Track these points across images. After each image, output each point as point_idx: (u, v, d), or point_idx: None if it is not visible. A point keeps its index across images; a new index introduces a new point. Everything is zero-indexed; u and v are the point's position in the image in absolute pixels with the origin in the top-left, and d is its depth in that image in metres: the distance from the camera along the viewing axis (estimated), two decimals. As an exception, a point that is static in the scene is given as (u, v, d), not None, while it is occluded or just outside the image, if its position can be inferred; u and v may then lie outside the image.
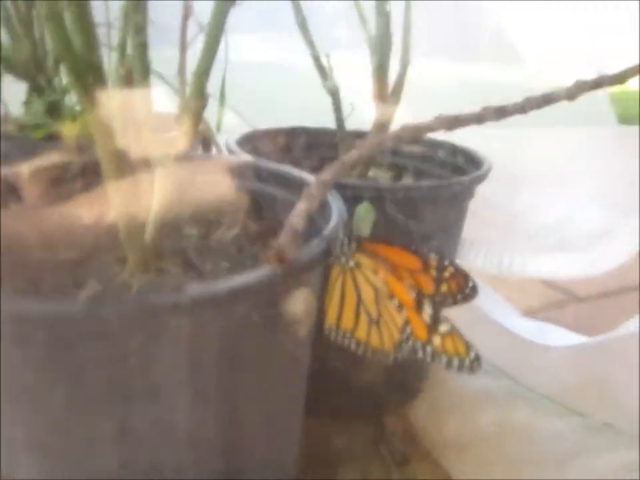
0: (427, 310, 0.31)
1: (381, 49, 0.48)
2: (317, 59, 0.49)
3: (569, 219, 0.70)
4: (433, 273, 0.32)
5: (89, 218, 0.37)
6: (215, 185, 0.42)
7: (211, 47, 0.29)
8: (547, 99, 0.37)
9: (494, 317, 0.57)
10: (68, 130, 0.38)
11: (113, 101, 0.33)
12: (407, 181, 0.57)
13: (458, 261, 0.33)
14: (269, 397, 0.29)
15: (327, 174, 0.30)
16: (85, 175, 0.39)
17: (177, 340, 0.22)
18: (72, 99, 0.52)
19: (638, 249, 0.59)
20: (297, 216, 0.26)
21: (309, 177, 0.40)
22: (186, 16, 0.32)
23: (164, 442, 0.24)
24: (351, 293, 0.32)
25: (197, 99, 0.31)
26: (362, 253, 0.31)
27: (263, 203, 0.42)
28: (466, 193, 0.48)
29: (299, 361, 0.31)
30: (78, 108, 0.52)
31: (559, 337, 0.56)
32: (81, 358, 0.21)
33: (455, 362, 0.31)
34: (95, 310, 0.19)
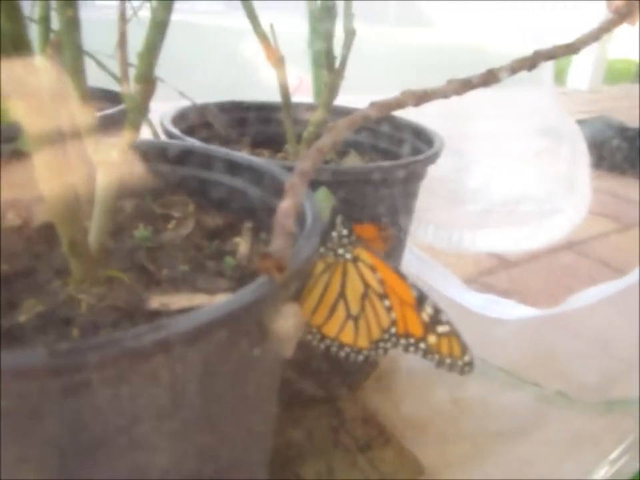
0: (428, 310, 0.30)
1: (327, 19, 0.45)
2: (259, 29, 0.45)
3: (515, 193, 0.71)
4: (425, 317, 0.30)
5: (17, 220, 0.32)
6: (159, 175, 0.38)
7: (160, 20, 0.25)
8: (510, 69, 0.37)
9: (445, 292, 0.57)
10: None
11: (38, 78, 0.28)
12: (354, 157, 0.55)
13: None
14: (248, 412, 0.26)
15: (306, 163, 0.27)
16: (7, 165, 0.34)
17: (156, 379, 0.19)
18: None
19: (580, 220, 0.60)
20: (286, 215, 0.23)
21: (256, 161, 0.37)
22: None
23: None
24: (334, 287, 0.30)
25: (143, 83, 0.27)
26: (363, 249, 0.29)
27: (212, 192, 0.38)
28: (420, 172, 0.47)
29: (276, 373, 0.28)
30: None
31: (508, 309, 0.57)
32: (47, 417, 0.17)
33: (447, 362, 0.31)
34: (63, 361, 0.16)
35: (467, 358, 0.31)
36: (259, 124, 0.60)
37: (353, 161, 0.55)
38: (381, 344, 0.32)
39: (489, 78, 0.36)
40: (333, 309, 0.31)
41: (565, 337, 0.53)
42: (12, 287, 0.27)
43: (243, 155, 0.38)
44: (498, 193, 0.86)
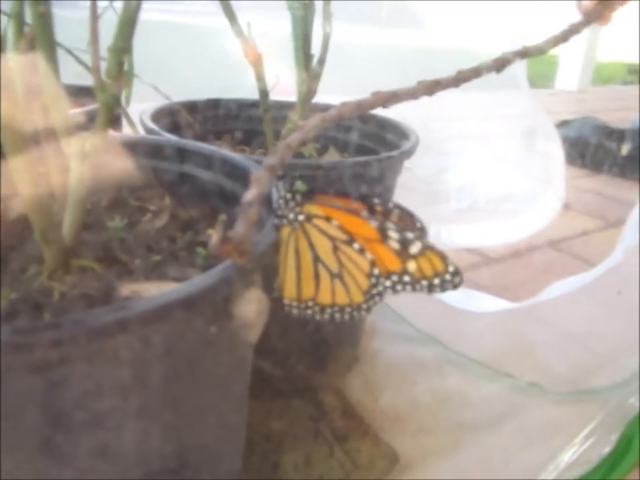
0: (393, 235, 0.28)
1: (304, 19, 0.46)
2: (237, 28, 0.46)
3: (491, 189, 0.72)
4: (395, 245, 0.28)
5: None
6: (135, 169, 0.38)
7: (129, 17, 0.26)
8: (477, 71, 0.37)
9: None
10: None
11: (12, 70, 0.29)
12: (333, 154, 0.56)
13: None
14: (216, 397, 0.27)
15: (274, 158, 0.28)
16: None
17: (119, 358, 0.20)
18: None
19: (554, 217, 0.62)
20: (250, 205, 0.24)
21: (232, 156, 0.38)
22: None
23: (110, 467, 0.22)
24: (306, 252, 0.29)
25: (114, 78, 0.27)
26: (311, 203, 0.28)
27: (187, 185, 0.39)
28: (396, 167, 0.48)
29: (245, 358, 0.29)
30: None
31: (484, 302, 0.58)
32: (10, 393, 0.18)
33: (436, 282, 0.28)
34: (23, 338, 0.17)
35: (451, 267, 0.28)
36: (242, 121, 0.61)
37: (331, 157, 0.56)
38: (373, 290, 0.30)
39: (458, 79, 0.36)
40: (317, 276, 0.29)
41: (538, 328, 0.54)
42: (-14, 276, 0.28)
43: (218, 149, 0.38)
44: (482, 192, 0.87)
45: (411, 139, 0.50)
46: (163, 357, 0.21)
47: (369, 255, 0.29)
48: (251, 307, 0.23)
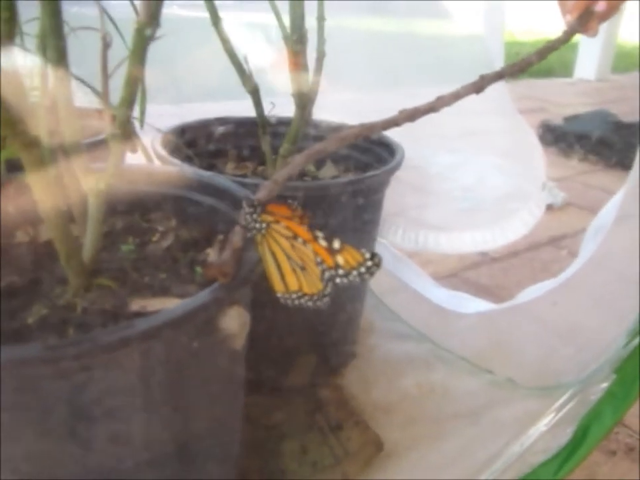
0: (319, 234, 0.33)
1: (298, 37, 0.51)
2: (235, 60, 0.51)
3: (476, 195, 0.76)
4: (324, 243, 0.33)
5: (26, 237, 0.39)
6: (146, 195, 0.44)
7: (132, 80, 0.31)
8: (455, 96, 0.42)
9: (416, 287, 0.63)
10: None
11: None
12: (330, 167, 0.61)
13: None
14: (207, 396, 0.32)
15: (262, 193, 0.33)
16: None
17: (125, 365, 0.25)
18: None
19: (541, 214, 0.65)
20: (237, 234, 0.29)
21: (231, 184, 0.43)
22: (105, 46, 0.33)
23: (123, 450, 0.27)
24: (279, 252, 0.33)
25: (123, 127, 0.33)
26: (265, 214, 0.33)
27: (191, 210, 0.44)
28: (382, 183, 0.53)
29: (233, 362, 0.34)
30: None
31: (468, 303, 0.63)
32: (43, 394, 0.23)
33: (363, 270, 0.32)
34: (52, 354, 0.22)
35: (367, 255, 0.32)
36: (246, 138, 0.66)
37: (329, 171, 0.61)
38: (326, 275, 0.33)
39: (437, 105, 0.41)
40: (294, 271, 0.34)
41: (515, 328, 0.58)
42: (23, 295, 0.34)
43: (218, 178, 0.44)
44: (487, 191, 0.90)
45: (397, 154, 0.55)
46: (161, 363, 0.26)
47: (309, 246, 0.33)
48: (233, 321, 0.29)
